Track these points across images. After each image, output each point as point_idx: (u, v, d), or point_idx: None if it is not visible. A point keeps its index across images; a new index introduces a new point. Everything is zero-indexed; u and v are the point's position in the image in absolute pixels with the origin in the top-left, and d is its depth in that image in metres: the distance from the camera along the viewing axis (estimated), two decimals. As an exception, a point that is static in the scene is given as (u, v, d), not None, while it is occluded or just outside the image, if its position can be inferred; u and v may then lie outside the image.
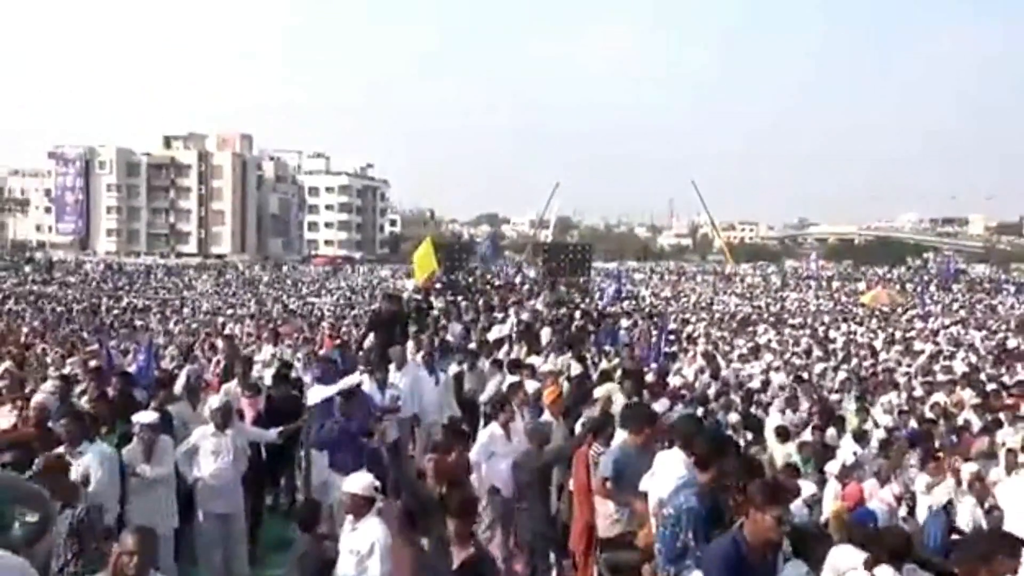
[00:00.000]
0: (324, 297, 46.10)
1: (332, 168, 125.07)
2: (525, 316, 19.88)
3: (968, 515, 8.78)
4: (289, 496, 9.94)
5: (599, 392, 10.22)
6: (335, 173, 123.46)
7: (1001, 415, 13.02)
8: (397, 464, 10.46)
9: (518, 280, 37.58)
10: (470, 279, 36.45)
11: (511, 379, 11.14)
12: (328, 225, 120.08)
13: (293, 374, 11.74)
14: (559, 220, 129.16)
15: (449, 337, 15.03)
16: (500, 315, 20.36)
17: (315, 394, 8.72)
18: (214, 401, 8.09)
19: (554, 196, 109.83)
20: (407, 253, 59.19)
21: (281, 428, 8.67)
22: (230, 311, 33.02)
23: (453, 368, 11.83)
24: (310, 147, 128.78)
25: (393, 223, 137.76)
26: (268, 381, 10.83)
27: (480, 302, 23.77)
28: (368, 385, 10.33)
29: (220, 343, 18.36)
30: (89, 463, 6.85)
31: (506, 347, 14.29)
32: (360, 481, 6.00)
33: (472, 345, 14.47)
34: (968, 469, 9.54)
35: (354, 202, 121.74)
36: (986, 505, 8.79)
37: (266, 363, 15.21)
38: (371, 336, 13.31)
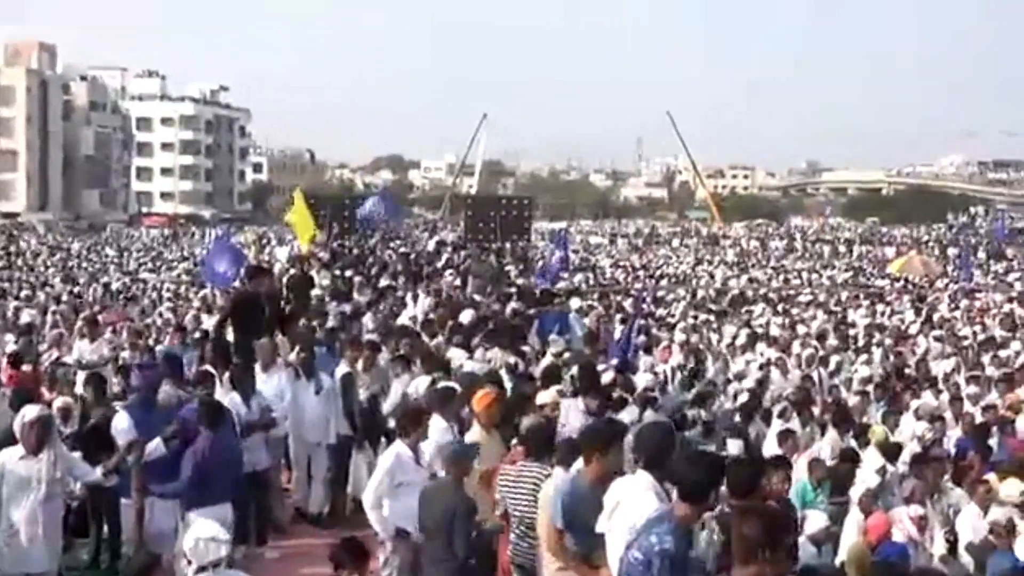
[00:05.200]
0: (161, 273, 45.18)
1: (170, 92, 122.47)
2: (442, 295, 19.87)
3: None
4: (111, 548, 9.79)
5: (544, 397, 10.30)
6: (175, 99, 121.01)
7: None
8: (264, 501, 10.44)
9: (431, 247, 37.39)
10: (366, 245, 36.16)
11: (424, 380, 11.17)
12: (166, 172, 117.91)
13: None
14: (488, 165, 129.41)
15: (331, 323, 14.96)
16: (408, 295, 20.28)
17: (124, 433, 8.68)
18: (30, 411, 7.88)
19: (481, 132, 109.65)
20: (277, 210, 58.40)
21: (104, 464, 8.55)
22: (26, 293, 32.12)
23: (341, 368, 11.78)
24: (139, 64, 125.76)
25: (258, 168, 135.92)
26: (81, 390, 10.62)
27: (380, 277, 23.64)
28: (225, 395, 10.24)
29: (10, 338, 17.86)
30: None
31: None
32: (205, 532, 5.85)
33: (371, 335, 14.41)
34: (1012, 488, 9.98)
35: (202, 140, 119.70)
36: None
37: (82, 365, 14.94)
38: (229, 325, 13.15)
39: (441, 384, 10.47)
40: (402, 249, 38.98)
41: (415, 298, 19.26)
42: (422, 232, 51.04)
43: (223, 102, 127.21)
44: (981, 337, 22.53)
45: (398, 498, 8.16)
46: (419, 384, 11.21)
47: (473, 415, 9.10)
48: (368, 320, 16.69)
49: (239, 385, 10.35)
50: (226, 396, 10.10)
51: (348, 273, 23.27)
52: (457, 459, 7.72)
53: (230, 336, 12.79)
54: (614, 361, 15.28)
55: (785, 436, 12.02)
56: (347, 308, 17.33)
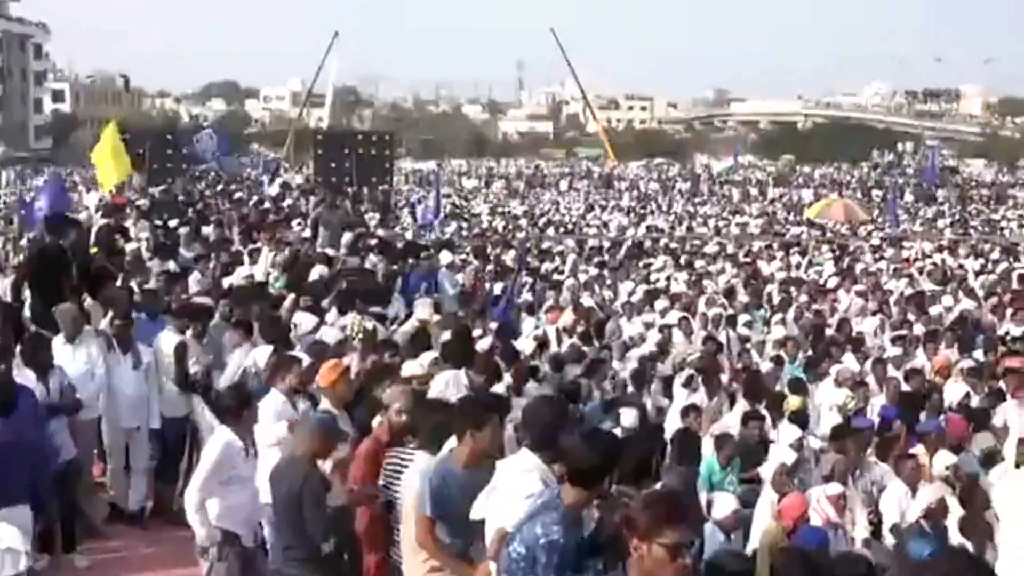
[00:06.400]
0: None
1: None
2: (286, 249, 19.64)
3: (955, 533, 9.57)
4: None
5: (412, 367, 10.30)
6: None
7: (1002, 383, 14.17)
8: (71, 498, 10.22)
9: (274, 191, 36.92)
10: (194, 189, 35.48)
11: (265, 350, 11.04)
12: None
13: None
14: (341, 93, 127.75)
15: (152, 284, 14.68)
16: (245, 249, 20.00)
17: None
18: None
19: (331, 54, 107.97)
20: (85, 147, 56.73)
21: None
22: None
23: (169, 338, 11.57)
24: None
25: (59, 97, 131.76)
26: None
27: (212, 229, 23.23)
28: (18, 372, 9.97)
29: None
30: None
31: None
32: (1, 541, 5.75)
33: (201, 298, 14.19)
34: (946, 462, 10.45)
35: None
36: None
37: None
38: (26, 290, 12.82)
39: (285, 354, 10.35)
40: (238, 194, 38.39)
41: (253, 253, 18.97)
42: (262, 174, 50.29)
43: (12, 15, 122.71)
44: (908, 292, 23.25)
45: (226, 496, 8.05)
46: (259, 355, 11.08)
47: (320, 391, 9.05)
48: (195, 280, 16.39)
49: (33, 360, 10.06)
50: (19, 373, 9.81)
51: (172, 223, 22.79)
52: (320, 432, 7.71)
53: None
54: (493, 324, 15.36)
55: (688, 411, 12.26)
56: (171, 265, 16.99)
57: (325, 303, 14.61)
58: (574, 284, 23.79)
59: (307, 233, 23.78)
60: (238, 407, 8.36)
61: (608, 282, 25.27)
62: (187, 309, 12.48)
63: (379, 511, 7.93)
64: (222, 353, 12.07)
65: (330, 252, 20.44)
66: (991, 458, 11.35)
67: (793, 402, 12.82)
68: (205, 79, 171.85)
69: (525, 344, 14.78)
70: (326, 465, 7.83)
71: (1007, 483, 9.77)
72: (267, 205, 31.96)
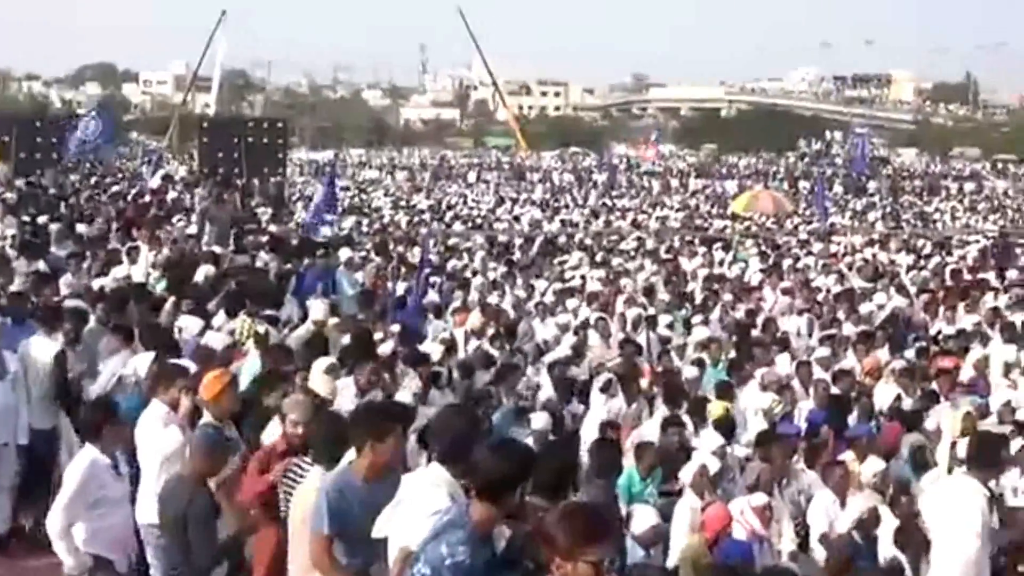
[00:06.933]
0: None
1: None
2: (169, 246, 19.44)
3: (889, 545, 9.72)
4: None
5: (315, 385, 10.22)
6: None
7: (935, 384, 14.45)
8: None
9: (155, 184, 36.41)
10: (67, 182, 34.88)
11: (146, 357, 10.90)
12: None
13: None
14: (229, 76, 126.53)
15: (19, 285, 14.43)
16: (123, 247, 19.74)
17: None
18: None
19: (219, 34, 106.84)
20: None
21: None
22: None
23: (42, 344, 11.35)
24: None
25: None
26: None
27: (87, 225, 22.91)
28: None
29: None
30: None
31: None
32: None
33: (74, 301, 13.97)
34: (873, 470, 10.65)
35: None
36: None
37: None
38: None
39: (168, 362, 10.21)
40: (116, 187, 37.86)
41: (132, 251, 18.73)
42: (142, 165, 49.64)
43: None
44: (837, 289, 23.56)
45: (94, 519, 7.95)
46: (139, 363, 10.93)
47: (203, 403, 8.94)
48: (67, 281, 16.14)
49: None
50: None
51: (42, 219, 22.44)
52: (207, 449, 7.64)
53: None
54: (395, 328, 15.30)
55: (606, 428, 12.25)
56: (40, 265, 16.73)
57: (211, 305, 14.46)
58: (483, 283, 23.74)
59: (192, 229, 23.54)
60: (100, 422, 8.22)
61: (520, 281, 25.26)
62: (57, 312, 12.23)
63: (280, 532, 7.85)
64: (96, 361, 11.87)
65: (217, 250, 20.27)
66: (923, 462, 11.57)
67: (716, 408, 12.83)
68: (79, 61, 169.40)
69: (432, 348, 14.74)
70: (213, 484, 7.76)
71: (938, 489, 9.93)
72: (147, 199, 31.58)
